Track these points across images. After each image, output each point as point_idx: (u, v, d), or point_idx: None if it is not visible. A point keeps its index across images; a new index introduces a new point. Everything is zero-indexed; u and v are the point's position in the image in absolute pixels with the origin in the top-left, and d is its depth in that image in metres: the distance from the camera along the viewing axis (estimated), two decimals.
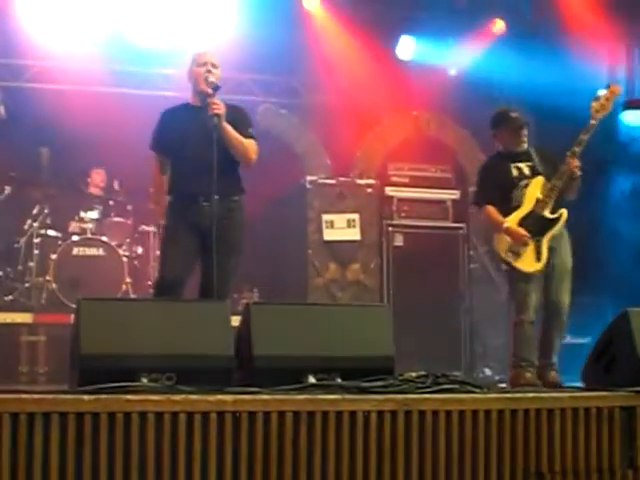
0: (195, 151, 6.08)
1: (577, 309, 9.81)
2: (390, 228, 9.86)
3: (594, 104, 6.67)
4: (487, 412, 4.50)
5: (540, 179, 6.78)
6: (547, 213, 6.72)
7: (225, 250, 6.04)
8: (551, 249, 6.74)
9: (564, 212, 6.75)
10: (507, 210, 6.82)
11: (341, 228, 9.82)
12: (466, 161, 10.50)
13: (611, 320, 5.36)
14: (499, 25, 10.86)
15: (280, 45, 10.07)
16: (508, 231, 6.77)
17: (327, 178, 9.93)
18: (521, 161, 6.90)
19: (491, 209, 6.92)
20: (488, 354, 9.99)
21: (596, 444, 4.66)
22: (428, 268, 9.69)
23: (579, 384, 5.47)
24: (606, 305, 9.93)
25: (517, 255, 6.75)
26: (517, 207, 6.81)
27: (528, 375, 6.64)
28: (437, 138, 10.50)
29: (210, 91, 6.11)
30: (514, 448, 4.52)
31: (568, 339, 9.65)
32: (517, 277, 6.79)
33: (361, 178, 9.99)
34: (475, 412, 4.48)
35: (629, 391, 4.78)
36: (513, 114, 7.04)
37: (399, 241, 9.83)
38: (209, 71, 6.20)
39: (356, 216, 9.86)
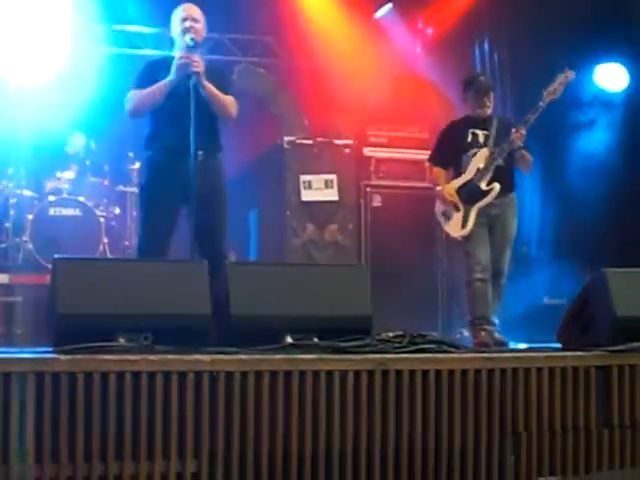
0: (179, 105, 6.02)
1: (553, 271, 9.90)
2: (368, 189, 9.83)
3: (549, 87, 6.78)
4: (464, 371, 4.52)
5: (485, 150, 6.91)
6: (483, 184, 6.87)
7: (218, 204, 6.05)
8: (496, 217, 6.92)
9: (496, 185, 6.85)
10: (457, 175, 7.02)
11: (319, 189, 9.77)
12: (444, 121, 10.44)
13: (587, 281, 5.37)
14: None
15: (259, 4, 9.99)
16: (438, 194, 7.11)
17: (305, 139, 9.87)
18: (480, 128, 7.01)
19: (438, 171, 7.21)
20: (465, 314, 10.00)
21: (572, 403, 4.70)
22: (406, 229, 9.66)
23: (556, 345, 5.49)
24: (581, 266, 9.96)
25: (448, 219, 7.04)
26: (462, 173, 6.97)
27: (482, 334, 6.77)
28: (416, 98, 10.44)
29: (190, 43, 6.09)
30: (491, 407, 4.55)
31: (545, 300, 9.74)
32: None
33: (339, 139, 9.94)
34: (452, 372, 4.51)
35: (605, 350, 4.81)
36: (481, 78, 7.26)
37: (377, 202, 9.80)
38: (190, 27, 6.17)
39: (334, 177, 9.80)
